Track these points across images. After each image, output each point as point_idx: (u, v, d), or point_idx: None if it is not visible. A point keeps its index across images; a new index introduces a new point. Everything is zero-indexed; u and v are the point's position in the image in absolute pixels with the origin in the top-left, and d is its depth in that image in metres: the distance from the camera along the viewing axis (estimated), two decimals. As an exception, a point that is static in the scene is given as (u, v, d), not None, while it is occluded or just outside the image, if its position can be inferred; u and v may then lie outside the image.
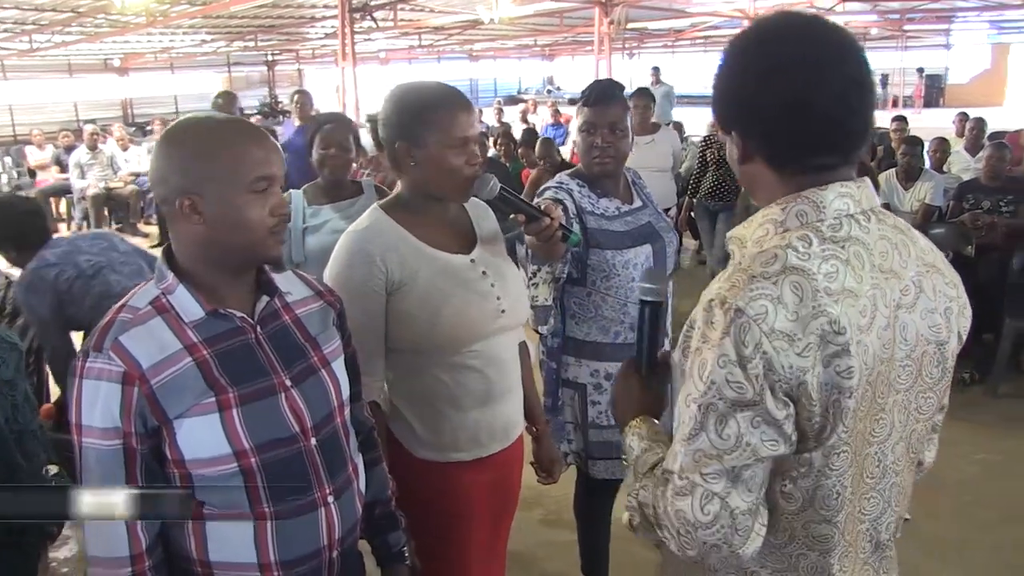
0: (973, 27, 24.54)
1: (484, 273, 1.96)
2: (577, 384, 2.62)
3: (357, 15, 11.67)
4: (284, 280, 1.55)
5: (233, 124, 1.45)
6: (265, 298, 1.48)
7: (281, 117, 16.44)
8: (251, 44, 18.94)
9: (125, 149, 11.10)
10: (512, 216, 1.96)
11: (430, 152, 1.85)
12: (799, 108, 1.14)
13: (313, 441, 1.47)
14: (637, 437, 1.34)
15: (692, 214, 6.95)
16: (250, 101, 20.71)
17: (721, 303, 1.12)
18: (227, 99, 7.24)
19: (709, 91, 1.29)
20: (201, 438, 1.36)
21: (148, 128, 14.82)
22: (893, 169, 6.14)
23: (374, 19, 12.82)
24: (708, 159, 6.43)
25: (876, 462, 1.22)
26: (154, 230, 9.96)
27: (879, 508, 1.26)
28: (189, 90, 21.13)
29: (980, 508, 3.71)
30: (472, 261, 1.96)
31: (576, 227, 2.39)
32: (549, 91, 29.11)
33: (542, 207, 1.96)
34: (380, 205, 1.98)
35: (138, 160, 10.92)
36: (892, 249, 1.19)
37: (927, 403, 1.26)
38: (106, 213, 10.48)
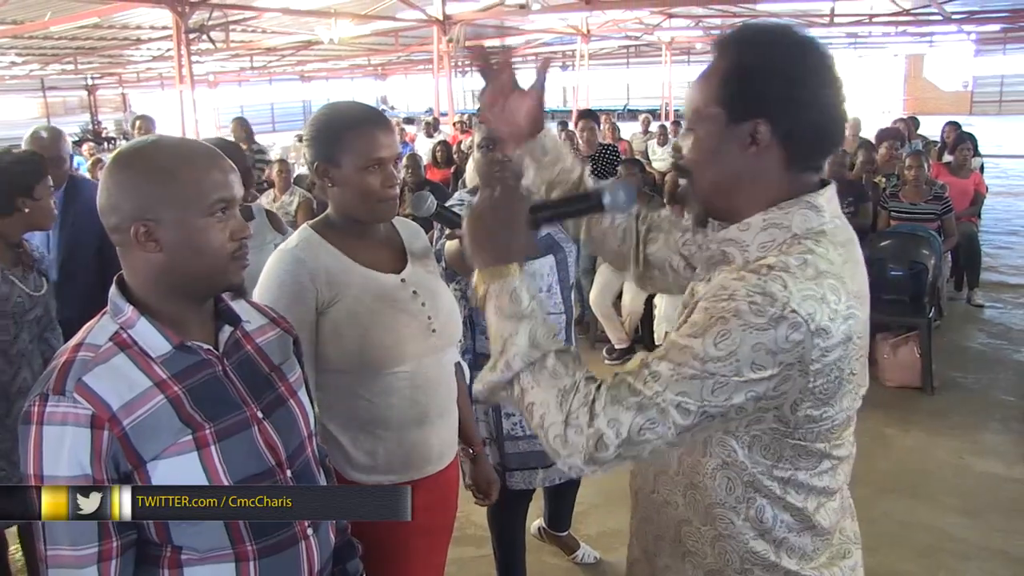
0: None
1: (415, 293, 1.93)
2: (490, 399, 2.63)
3: (193, 36, 11.25)
4: (238, 308, 1.48)
5: (187, 145, 1.39)
6: (228, 328, 1.42)
7: (107, 144, 15.64)
8: (69, 67, 17.91)
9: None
10: (449, 232, 1.96)
11: (345, 173, 1.83)
12: (833, 112, 1.22)
13: (289, 473, 1.42)
14: (531, 299, 1.24)
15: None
16: (70, 127, 19.60)
17: (771, 300, 1.11)
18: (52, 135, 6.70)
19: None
20: (179, 479, 1.28)
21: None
22: None
23: (211, 39, 12.40)
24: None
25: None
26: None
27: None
28: (-2, 116, 19.82)
29: (856, 486, 3.95)
30: (403, 280, 1.93)
31: None
32: (384, 110, 29.04)
33: None
34: (310, 225, 1.94)
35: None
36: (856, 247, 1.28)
37: None
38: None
